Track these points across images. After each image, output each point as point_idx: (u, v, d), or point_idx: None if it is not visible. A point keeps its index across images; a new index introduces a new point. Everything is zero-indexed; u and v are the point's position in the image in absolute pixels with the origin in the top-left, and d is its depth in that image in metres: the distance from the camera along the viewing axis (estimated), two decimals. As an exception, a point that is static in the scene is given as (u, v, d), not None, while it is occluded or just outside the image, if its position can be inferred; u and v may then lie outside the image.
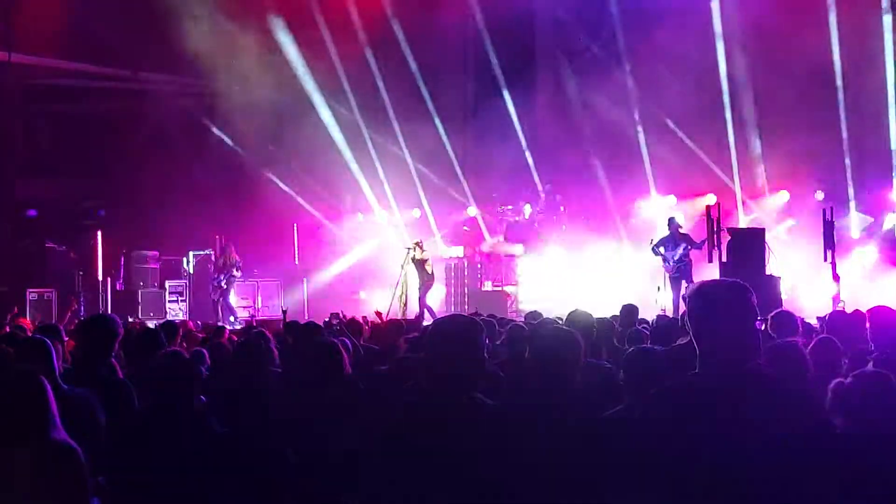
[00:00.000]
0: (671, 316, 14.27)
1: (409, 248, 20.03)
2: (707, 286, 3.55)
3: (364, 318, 11.41)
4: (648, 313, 15.04)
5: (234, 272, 21.29)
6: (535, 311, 12.23)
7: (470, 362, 3.84)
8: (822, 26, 20.34)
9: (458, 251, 22.82)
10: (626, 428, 3.94)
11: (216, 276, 21.32)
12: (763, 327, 7.48)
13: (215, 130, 24.05)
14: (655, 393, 3.56)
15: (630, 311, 10.78)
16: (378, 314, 14.01)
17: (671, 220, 18.32)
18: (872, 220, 20.81)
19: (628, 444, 3.58)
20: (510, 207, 23.18)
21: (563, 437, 4.31)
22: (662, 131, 22.18)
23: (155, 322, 18.01)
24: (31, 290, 20.04)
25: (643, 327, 9.89)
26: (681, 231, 18.13)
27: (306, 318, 19.00)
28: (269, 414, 5.53)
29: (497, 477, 3.74)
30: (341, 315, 11.29)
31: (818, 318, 10.56)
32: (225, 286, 21.25)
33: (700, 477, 3.26)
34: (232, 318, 20.39)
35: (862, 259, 19.67)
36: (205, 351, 7.80)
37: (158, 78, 24.95)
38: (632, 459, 3.47)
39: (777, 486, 3.24)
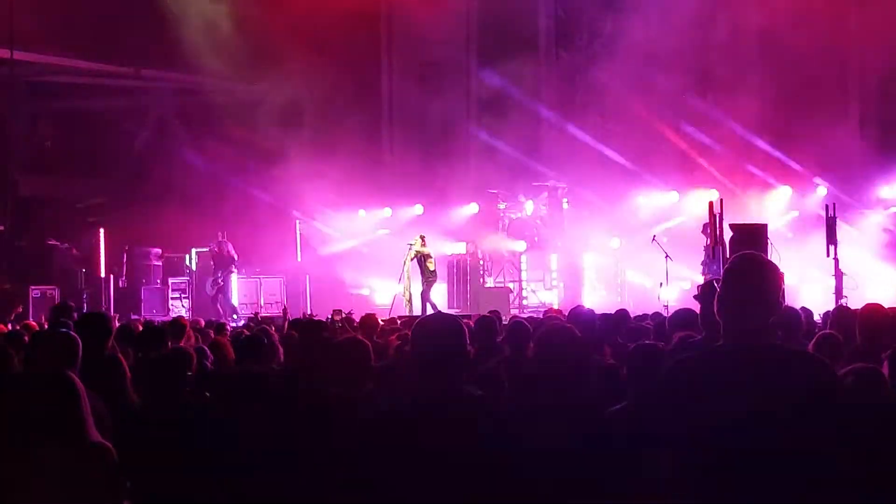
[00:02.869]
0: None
1: (410, 244, 20.03)
2: (734, 261, 3.68)
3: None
4: (651, 310, 15.04)
5: (232, 268, 21.31)
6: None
7: (454, 355, 3.97)
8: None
9: (461, 247, 22.81)
10: (633, 415, 4.02)
11: (215, 272, 21.38)
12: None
13: (217, 127, 24.04)
14: (676, 362, 3.64)
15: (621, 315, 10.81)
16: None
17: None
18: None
19: (634, 429, 3.67)
20: (504, 205, 23.14)
21: (563, 429, 4.35)
22: (666, 127, 22.18)
23: (158, 319, 18.09)
24: (34, 287, 20.05)
25: (646, 323, 9.88)
26: None
27: (308, 314, 19.04)
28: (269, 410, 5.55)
29: (488, 467, 3.82)
30: (344, 313, 11.29)
31: (822, 315, 10.57)
32: (222, 283, 21.28)
33: (714, 443, 3.35)
34: (235, 316, 20.41)
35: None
36: (206, 348, 7.82)
37: (161, 75, 24.98)
38: (638, 442, 3.56)
39: (790, 454, 3.33)
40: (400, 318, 14.86)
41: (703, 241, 17.43)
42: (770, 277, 3.54)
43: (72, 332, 5.45)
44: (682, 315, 7.12)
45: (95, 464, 4.11)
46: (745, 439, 3.33)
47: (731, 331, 3.52)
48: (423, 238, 20.01)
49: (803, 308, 10.17)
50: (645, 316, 11.27)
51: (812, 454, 3.32)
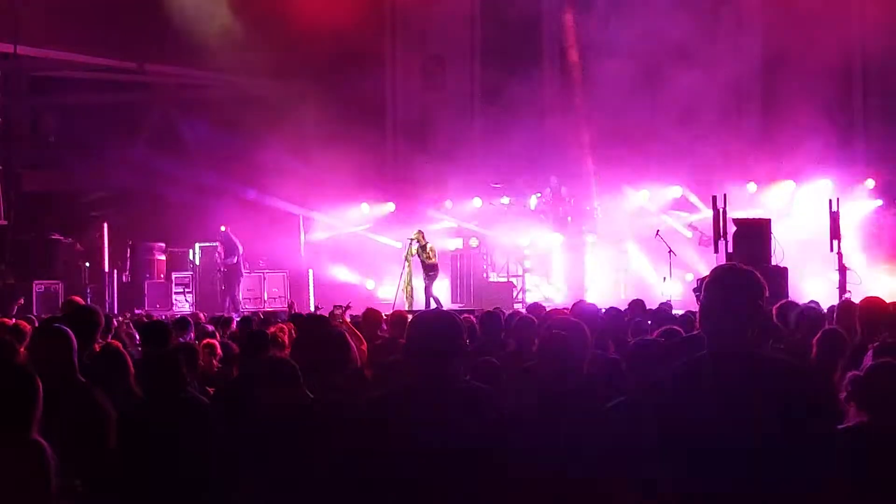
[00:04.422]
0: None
1: (410, 239, 20.03)
2: (714, 271, 3.76)
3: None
4: (652, 304, 15.03)
5: (233, 259, 21.28)
6: (537, 303, 12.28)
7: (448, 346, 4.01)
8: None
9: (463, 242, 22.81)
10: (632, 408, 4.06)
11: (219, 263, 21.46)
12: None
13: (221, 122, 24.02)
14: (664, 372, 3.67)
15: (637, 305, 10.81)
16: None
17: None
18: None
19: (635, 424, 3.71)
20: (508, 200, 23.11)
21: (563, 421, 4.37)
22: (667, 122, 22.13)
23: (164, 314, 18.13)
24: (37, 282, 20.06)
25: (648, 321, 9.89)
26: None
27: (312, 310, 19.05)
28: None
29: (485, 455, 3.86)
30: (344, 308, 11.24)
31: (827, 310, 10.55)
32: (222, 273, 21.30)
33: (701, 451, 3.39)
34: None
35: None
36: (216, 343, 7.83)
37: (164, 70, 24.97)
38: (636, 437, 3.60)
39: (772, 461, 3.35)
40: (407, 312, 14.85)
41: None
42: (748, 288, 3.60)
43: (64, 327, 5.45)
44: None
45: (30, 461, 4.07)
46: (724, 446, 3.37)
47: (712, 341, 3.59)
48: (421, 233, 20.01)
49: (812, 301, 10.20)
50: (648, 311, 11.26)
51: (790, 459, 3.35)
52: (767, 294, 3.63)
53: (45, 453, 4.13)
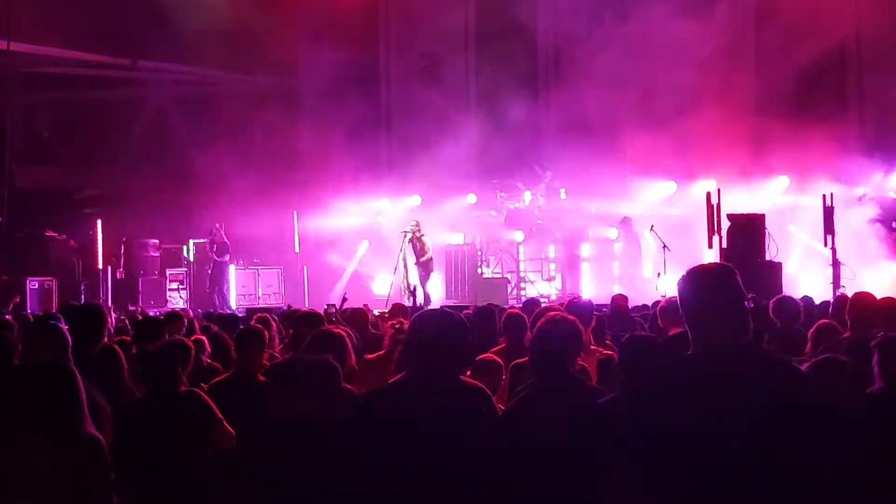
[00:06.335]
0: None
1: (405, 231, 20.00)
2: (694, 271, 3.67)
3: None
4: (650, 299, 15.05)
5: (225, 257, 21.27)
6: (534, 299, 12.29)
7: (452, 346, 4.03)
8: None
9: (458, 238, 22.80)
10: (621, 408, 4.05)
11: (209, 261, 21.48)
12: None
13: (215, 118, 24.00)
14: (650, 373, 3.64)
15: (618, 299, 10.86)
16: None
17: None
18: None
19: (622, 424, 3.68)
20: (502, 195, 23.12)
21: (558, 418, 4.37)
22: (665, 117, 22.15)
23: (156, 310, 18.10)
24: (31, 278, 20.01)
25: (644, 314, 9.90)
26: None
27: (307, 306, 19.03)
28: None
29: (483, 453, 3.84)
30: (337, 306, 11.25)
31: (819, 304, 10.58)
32: (210, 270, 21.30)
33: (690, 454, 3.35)
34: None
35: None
36: (204, 339, 7.79)
37: (158, 66, 24.93)
38: (625, 438, 3.57)
39: (763, 462, 3.33)
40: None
41: (695, 232, 17.39)
42: (729, 284, 3.56)
43: (60, 325, 5.43)
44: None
45: (86, 455, 4.11)
46: (714, 444, 3.34)
47: (697, 339, 3.53)
48: (418, 224, 19.99)
49: (805, 297, 10.22)
50: (645, 307, 11.28)
51: (780, 457, 3.34)
52: (744, 290, 3.58)
53: (101, 446, 4.17)
